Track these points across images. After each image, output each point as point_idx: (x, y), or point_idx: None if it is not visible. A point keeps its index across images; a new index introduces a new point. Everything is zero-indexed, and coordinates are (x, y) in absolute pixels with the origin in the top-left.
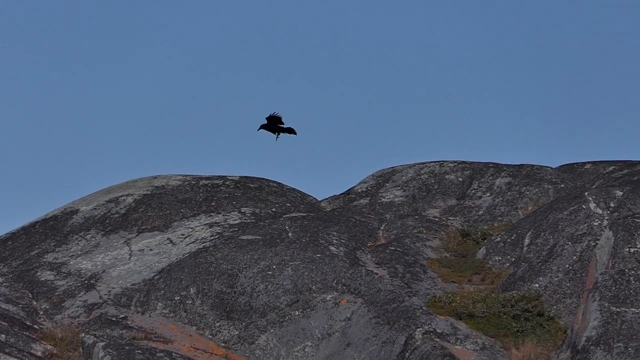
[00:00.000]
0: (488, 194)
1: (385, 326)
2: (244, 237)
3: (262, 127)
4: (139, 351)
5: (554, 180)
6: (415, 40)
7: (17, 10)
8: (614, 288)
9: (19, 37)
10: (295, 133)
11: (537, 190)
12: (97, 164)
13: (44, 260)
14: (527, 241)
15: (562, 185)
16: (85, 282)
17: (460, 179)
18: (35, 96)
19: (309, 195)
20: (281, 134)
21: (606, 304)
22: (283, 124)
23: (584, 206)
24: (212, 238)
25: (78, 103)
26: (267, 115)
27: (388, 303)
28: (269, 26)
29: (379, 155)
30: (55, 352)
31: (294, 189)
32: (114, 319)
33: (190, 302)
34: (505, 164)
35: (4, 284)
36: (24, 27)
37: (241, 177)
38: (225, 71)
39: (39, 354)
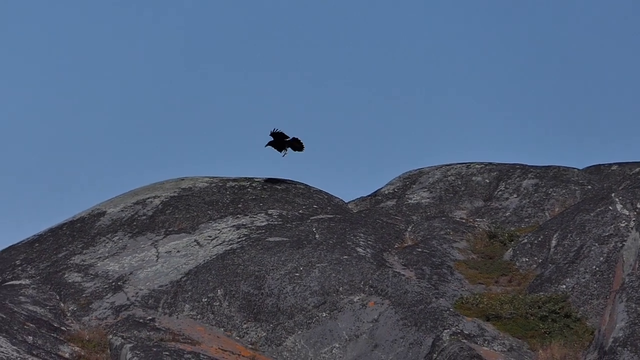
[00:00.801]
0: (515, 196)
1: (413, 327)
2: (271, 239)
3: (269, 143)
4: (167, 353)
5: (580, 181)
6: (436, 40)
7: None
8: None
9: (21, 39)
10: (302, 149)
11: (564, 191)
12: (123, 165)
13: (71, 262)
14: (554, 242)
15: (589, 187)
16: (113, 283)
17: (487, 181)
18: (57, 99)
19: (335, 197)
20: (287, 150)
21: (633, 305)
22: (287, 137)
23: (610, 207)
24: (239, 240)
25: (101, 104)
26: (270, 132)
27: (415, 304)
28: (283, 26)
29: (405, 157)
30: (82, 353)
31: (320, 191)
32: (141, 320)
33: (218, 303)
34: (532, 166)
35: (32, 286)
36: (25, 29)
37: (268, 178)
38: (232, 71)
39: (67, 355)
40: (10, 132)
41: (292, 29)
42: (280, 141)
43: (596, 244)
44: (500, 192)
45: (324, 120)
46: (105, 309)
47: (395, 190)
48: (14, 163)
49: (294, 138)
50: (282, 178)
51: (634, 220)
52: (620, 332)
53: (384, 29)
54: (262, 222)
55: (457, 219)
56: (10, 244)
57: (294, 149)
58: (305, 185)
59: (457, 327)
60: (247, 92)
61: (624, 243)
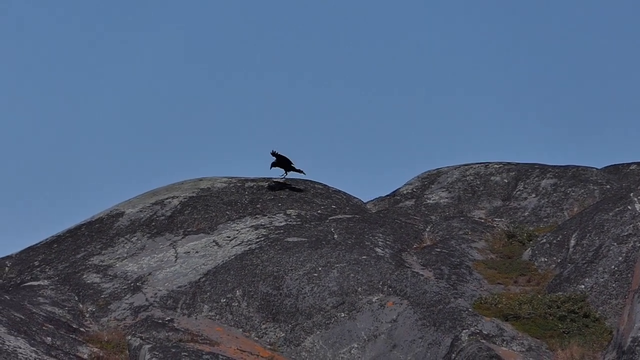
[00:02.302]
0: (533, 195)
1: (431, 328)
2: (289, 239)
3: (274, 164)
4: (185, 353)
5: (599, 181)
6: (451, 40)
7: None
8: None
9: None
10: (304, 174)
11: (582, 191)
12: (141, 165)
13: (90, 262)
14: (572, 242)
15: (608, 186)
16: (132, 284)
17: (506, 180)
18: (69, 99)
19: (354, 197)
20: (290, 172)
21: None
22: (293, 163)
23: (629, 207)
24: (257, 240)
25: (117, 105)
26: (271, 152)
27: (434, 305)
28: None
29: (424, 156)
30: (101, 354)
31: (339, 191)
32: (160, 321)
33: (236, 304)
34: (551, 165)
35: (50, 286)
36: (29, 30)
37: (287, 179)
38: (237, 71)
39: (85, 356)
40: (25, 134)
41: (295, 29)
42: (284, 164)
43: (615, 244)
44: (518, 192)
45: (343, 120)
46: (124, 309)
47: (414, 190)
48: (33, 164)
49: (299, 169)
50: (301, 178)
51: None
52: (639, 331)
53: (392, 30)
54: (281, 222)
55: (476, 219)
56: (29, 245)
57: (298, 172)
58: (324, 185)
59: (475, 327)
60: (254, 93)
61: None
